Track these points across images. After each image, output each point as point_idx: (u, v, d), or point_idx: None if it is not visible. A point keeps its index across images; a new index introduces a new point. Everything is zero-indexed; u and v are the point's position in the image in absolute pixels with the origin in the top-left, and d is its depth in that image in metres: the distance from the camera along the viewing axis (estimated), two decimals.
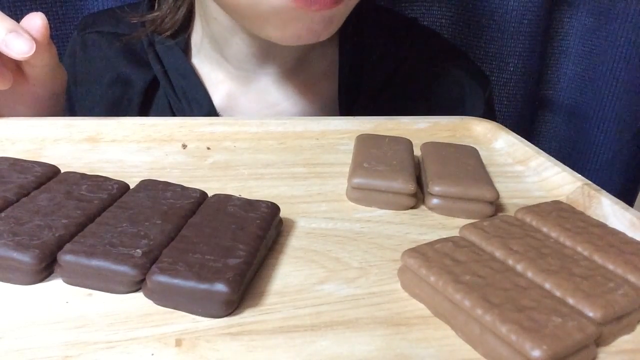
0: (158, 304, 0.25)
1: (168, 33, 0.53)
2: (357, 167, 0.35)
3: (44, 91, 0.46)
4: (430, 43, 0.58)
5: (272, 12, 0.40)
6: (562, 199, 0.36)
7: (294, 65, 0.53)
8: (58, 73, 0.46)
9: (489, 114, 0.55)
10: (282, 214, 0.31)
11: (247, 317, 0.25)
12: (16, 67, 0.43)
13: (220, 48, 0.52)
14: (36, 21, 0.40)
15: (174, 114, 0.53)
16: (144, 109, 0.54)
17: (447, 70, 0.56)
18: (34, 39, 0.39)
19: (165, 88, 0.53)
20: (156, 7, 0.54)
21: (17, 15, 0.62)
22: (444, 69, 0.56)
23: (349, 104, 0.53)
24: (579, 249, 0.29)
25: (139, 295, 0.25)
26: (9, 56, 0.39)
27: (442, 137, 0.46)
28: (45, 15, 0.63)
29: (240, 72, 0.53)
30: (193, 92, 0.52)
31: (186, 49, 0.54)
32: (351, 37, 0.53)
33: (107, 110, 0.54)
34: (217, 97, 0.53)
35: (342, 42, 0.53)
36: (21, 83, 0.44)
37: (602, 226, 0.31)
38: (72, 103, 0.58)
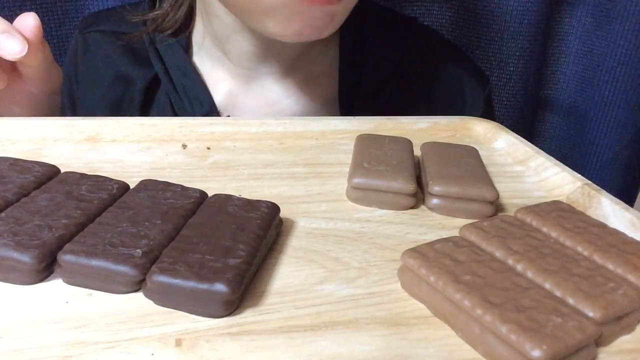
0: (158, 304, 0.25)
1: (169, 31, 0.54)
2: (357, 167, 0.35)
3: (39, 91, 0.46)
4: (430, 42, 0.58)
5: (274, 6, 0.40)
6: (562, 199, 0.36)
7: (295, 64, 0.53)
8: (53, 73, 0.46)
9: (488, 112, 0.56)
10: (282, 214, 0.31)
11: (247, 317, 0.25)
12: (11, 67, 0.43)
13: (222, 46, 0.52)
14: (29, 21, 0.40)
15: (175, 112, 0.53)
16: (145, 108, 0.54)
17: (446, 69, 0.56)
18: (27, 39, 0.39)
19: (167, 86, 0.53)
20: (157, 5, 0.54)
21: (17, 15, 0.62)
22: (443, 68, 0.56)
23: (349, 102, 0.53)
24: (579, 249, 0.29)
25: (139, 295, 0.25)
26: (2, 57, 0.39)
27: (442, 137, 0.46)
28: (46, 15, 0.64)
29: (241, 70, 0.53)
30: (194, 90, 0.52)
31: (187, 47, 0.54)
32: (351, 35, 0.53)
33: (108, 109, 0.54)
34: (218, 95, 0.54)
35: (343, 40, 0.53)
36: (16, 83, 0.44)
37: (602, 226, 0.31)
38: (74, 102, 0.58)
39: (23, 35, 0.39)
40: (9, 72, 0.42)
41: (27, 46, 0.39)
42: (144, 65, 0.54)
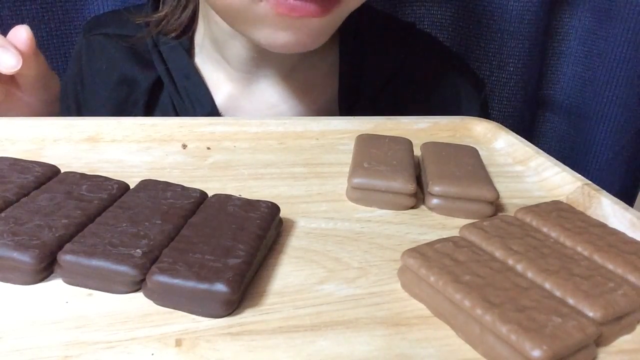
0: (158, 304, 0.25)
1: (173, 34, 0.54)
2: (357, 167, 0.35)
3: (36, 100, 0.46)
4: (428, 47, 0.58)
5: (258, 19, 0.41)
6: (562, 199, 0.36)
7: (294, 68, 0.53)
8: (50, 81, 0.47)
9: (483, 117, 0.56)
10: (282, 214, 0.31)
11: (247, 317, 0.25)
12: (8, 79, 0.44)
13: (221, 50, 0.53)
14: (22, 34, 0.42)
15: (177, 114, 0.53)
16: (149, 109, 0.54)
17: (443, 75, 0.56)
18: (20, 52, 0.40)
19: (169, 88, 0.53)
20: (160, 8, 0.54)
21: (17, 15, 0.62)
22: (440, 73, 0.56)
23: (348, 106, 0.53)
24: (579, 249, 0.29)
25: (139, 295, 0.25)
26: None
27: (442, 137, 0.46)
28: (46, 15, 0.64)
29: (241, 73, 0.53)
30: (195, 91, 0.53)
31: (190, 49, 0.55)
32: (351, 40, 0.54)
33: (113, 111, 0.54)
34: (219, 97, 0.54)
35: (342, 45, 0.54)
36: (14, 94, 0.45)
37: (602, 226, 0.31)
38: (79, 105, 0.58)
39: (17, 48, 0.40)
40: (6, 84, 0.43)
41: (21, 59, 0.40)
42: (147, 68, 0.54)
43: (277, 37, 0.42)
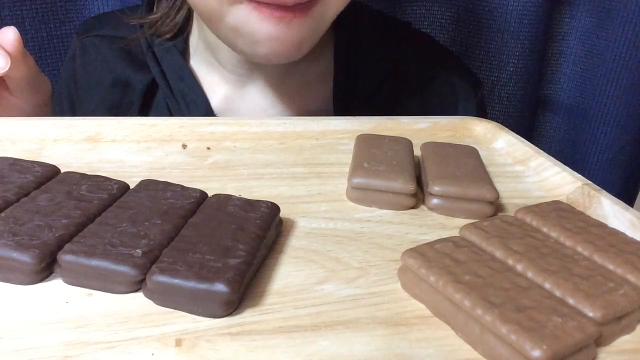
0: (158, 304, 0.25)
1: (168, 35, 0.54)
2: (357, 167, 0.35)
3: (27, 103, 0.47)
4: (423, 47, 0.58)
5: (239, 23, 0.41)
6: (562, 199, 0.37)
7: (289, 70, 0.53)
8: (39, 83, 0.47)
9: (481, 116, 0.56)
10: (282, 214, 0.31)
11: (247, 317, 0.25)
12: None
13: (214, 53, 0.53)
14: (8, 35, 0.42)
15: (172, 116, 0.53)
16: (144, 111, 0.54)
17: (439, 74, 0.56)
18: (8, 53, 0.41)
19: (164, 90, 0.53)
20: (155, 9, 0.54)
21: (17, 15, 0.62)
22: (436, 73, 0.56)
23: (343, 107, 0.53)
24: (579, 249, 0.29)
25: (139, 295, 0.25)
26: None
27: (442, 137, 0.46)
28: (45, 15, 0.64)
29: (235, 76, 0.53)
30: (191, 94, 0.53)
31: (184, 51, 0.54)
32: (346, 41, 0.53)
33: (107, 113, 0.54)
34: (214, 99, 0.54)
35: (338, 46, 0.53)
36: (4, 97, 0.45)
37: (602, 226, 0.31)
38: (73, 106, 0.58)
39: (4, 50, 0.40)
40: None
41: (9, 61, 0.40)
42: (142, 69, 0.54)
43: (258, 48, 0.42)
